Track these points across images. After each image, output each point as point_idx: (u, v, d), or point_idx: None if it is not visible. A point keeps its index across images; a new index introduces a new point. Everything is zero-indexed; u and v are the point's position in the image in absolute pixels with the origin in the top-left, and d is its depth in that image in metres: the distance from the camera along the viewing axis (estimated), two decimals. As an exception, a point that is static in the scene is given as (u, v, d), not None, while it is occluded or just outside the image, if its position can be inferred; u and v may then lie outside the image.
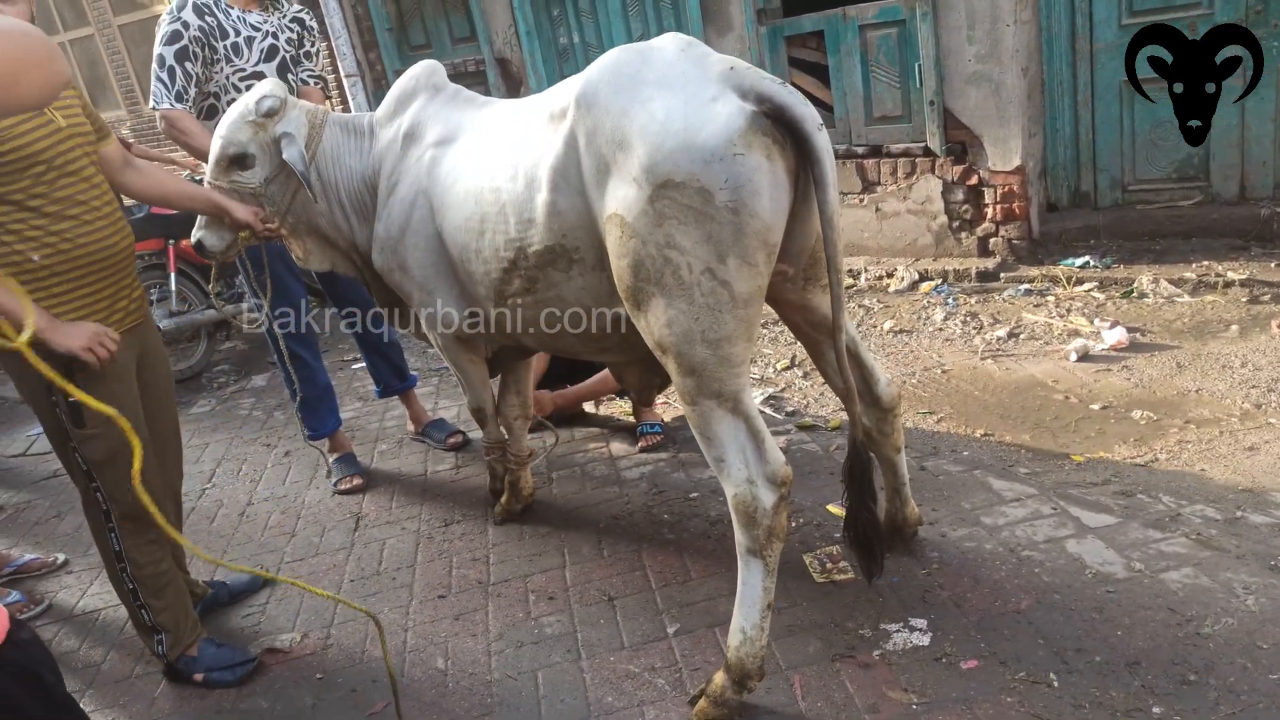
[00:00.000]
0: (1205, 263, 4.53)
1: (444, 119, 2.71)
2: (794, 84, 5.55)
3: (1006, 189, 5.00)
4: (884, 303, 5.08)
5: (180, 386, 5.31)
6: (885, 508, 2.71)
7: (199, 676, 2.74)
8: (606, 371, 3.84)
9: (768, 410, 3.93)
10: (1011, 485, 3.03)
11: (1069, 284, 4.71)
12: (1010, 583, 2.54)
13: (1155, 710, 2.04)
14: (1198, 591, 2.39)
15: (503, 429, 3.28)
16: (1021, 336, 4.29)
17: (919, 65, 5.02)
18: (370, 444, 4.32)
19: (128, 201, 3.45)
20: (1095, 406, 3.50)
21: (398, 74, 7.49)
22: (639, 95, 2.03)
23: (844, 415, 3.64)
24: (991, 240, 5.15)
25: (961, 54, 4.88)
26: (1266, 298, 4.16)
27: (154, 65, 3.35)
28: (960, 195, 5.17)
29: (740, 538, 2.17)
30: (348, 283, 3.75)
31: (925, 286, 5.13)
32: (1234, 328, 3.95)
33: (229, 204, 2.81)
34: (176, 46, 3.32)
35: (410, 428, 4.30)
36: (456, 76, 6.03)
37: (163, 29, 3.34)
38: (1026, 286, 4.82)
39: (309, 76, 3.69)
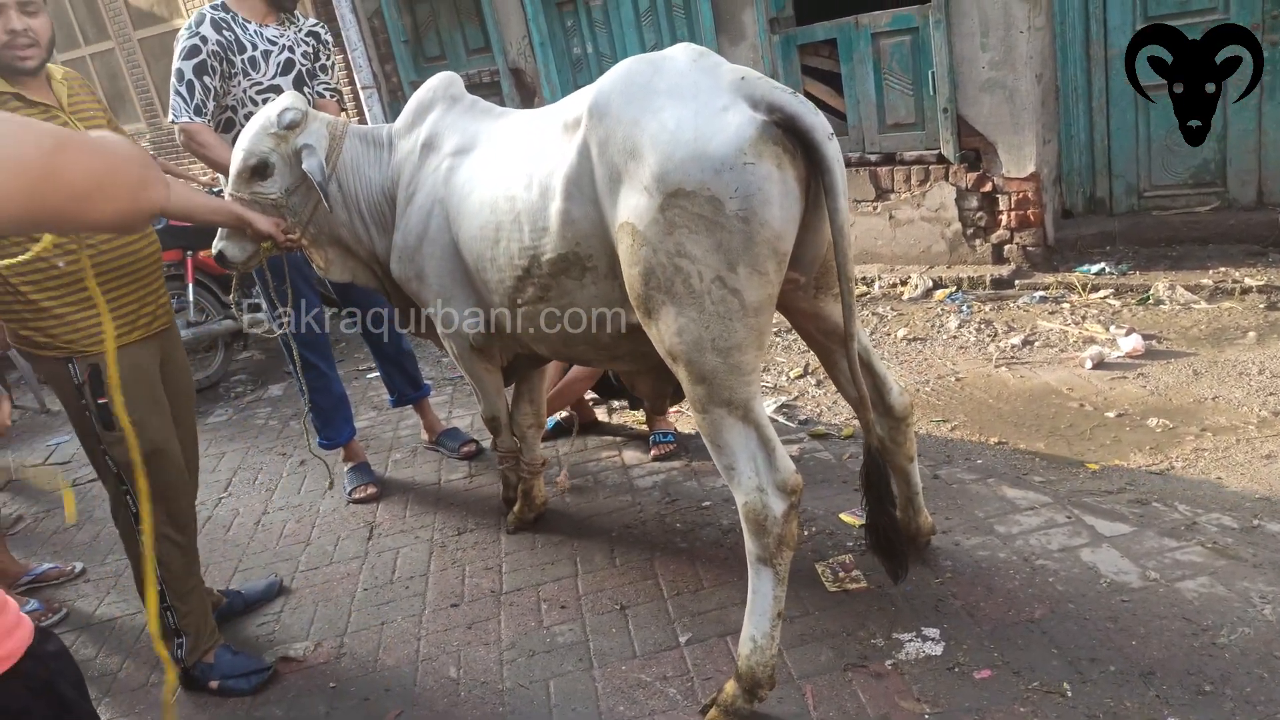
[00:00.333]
0: (1222, 269, 4.49)
1: (461, 129, 2.74)
2: (807, 92, 5.58)
3: (1021, 196, 4.98)
4: (898, 310, 5.06)
5: (198, 396, 5.33)
6: (899, 516, 2.70)
7: (214, 684, 2.76)
8: (574, 373, 3.83)
9: (780, 418, 3.92)
10: (1025, 493, 3.02)
11: (1084, 291, 4.68)
12: (1024, 592, 2.53)
13: (1170, 721, 2.03)
14: (1214, 601, 2.37)
15: (515, 438, 3.29)
16: (1036, 344, 4.27)
17: (932, 73, 5.01)
18: (384, 453, 4.34)
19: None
20: (1110, 414, 3.48)
21: (413, 85, 7.54)
22: (650, 105, 2.04)
23: (857, 424, 3.63)
24: (1006, 247, 5.13)
25: (975, 61, 4.87)
26: (1285, 304, 4.12)
27: (173, 79, 3.39)
28: (974, 202, 5.15)
29: (750, 546, 2.17)
30: (363, 293, 3.78)
31: (939, 294, 5.11)
32: (1251, 334, 3.91)
33: (251, 216, 2.84)
34: (195, 61, 3.36)
35: (424, 437, 4.32)
36: (471, 87, 6.06)
37: (181, 44, 3.38)
38: (1041, 294, 4.80)
39: (325, 89, 3.73)
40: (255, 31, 3.50)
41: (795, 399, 4.15)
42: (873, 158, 5.49)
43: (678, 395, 3.42)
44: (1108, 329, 4.22)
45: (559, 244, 2.31)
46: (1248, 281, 4.31)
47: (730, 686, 2.23)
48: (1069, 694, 2.14)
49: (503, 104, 5.80)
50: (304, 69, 3.62)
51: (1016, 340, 4.31)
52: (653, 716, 2.33)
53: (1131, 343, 3.94)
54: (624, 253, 2.12)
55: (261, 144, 2.81)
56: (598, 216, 2.19)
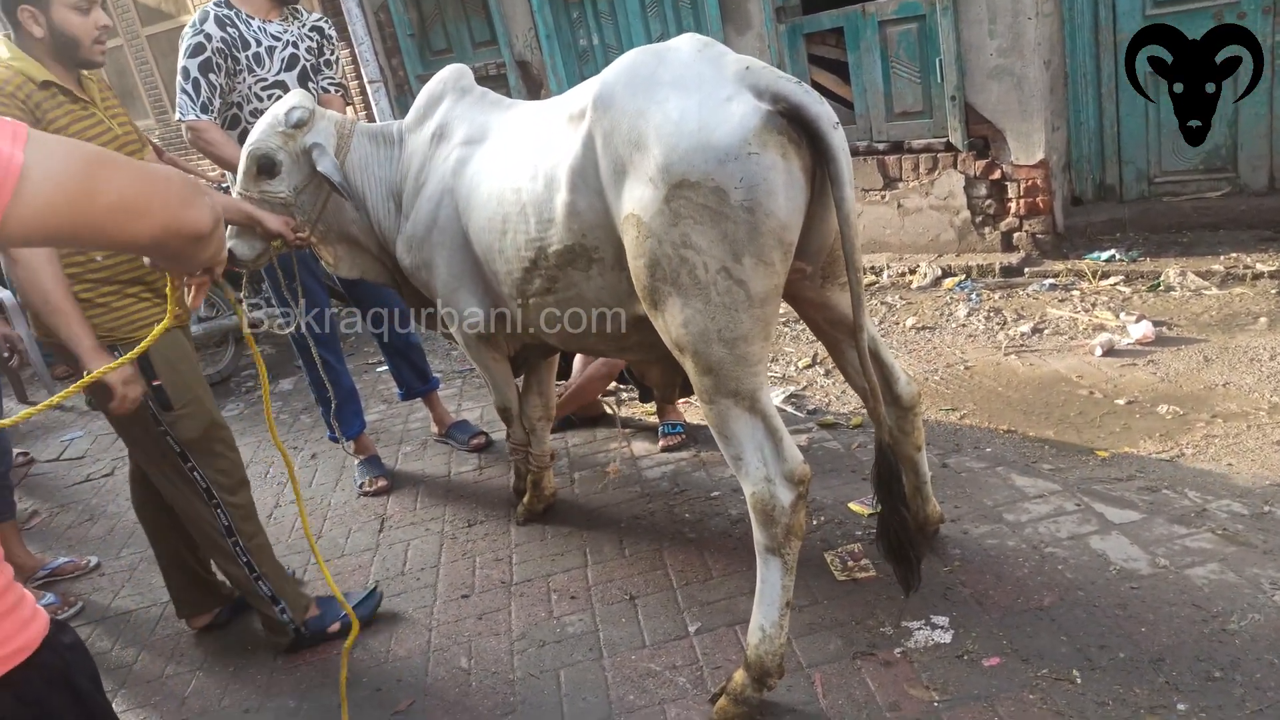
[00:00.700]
0: (1233, 255, 4.46)
1: (470, 120, 2.75)
2: (814, 81, 5.57)
3: (1030, 183, 4.96)
4: (906, 299, 5.05)
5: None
6: (910, 517, 2.69)
7: (334, 626, 2.88)
8: (595, 368, 3.84)
9: (789, 408, 3.92)
10: (1035, 481, 3.01)
11: (1094, 278, 4.66)
12: (1033, 579, 2.53)
13: (1180, 707, 2.02)
14: (1224, 587, 2.36)
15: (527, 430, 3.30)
16: (1046, 332, 4.25)
17: (940, 60, 4.99)
18: (394, 446, 4.36)
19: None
20: (1120, 401, 3.47)
21: (420, 79, 7.55)
22: (655, 96, 2.04)
23: (865, 413, 3.63)
24: (1015, 235, 5.11)
25: (983, 48, 4.84)
26: (1296, 289, 4.10)
27: (178, 77, 3.40)
28: (983, 190, 5.13)
29: (759, 536, 2.18)
30: (371, 288, 3.79)
31: (948, 282, 5.10)
32: (1262, 320, 3.89)
33: (261, 214, 2.86)
34: (200, 59, 3.37)
35: (434, 429, 4.34)
36: (478, 80, 6.03)
37: (186, 41, 3.39)
38: (1051, 281, 4.78)
39: (329, 84, 3.73)
40: (259, 28, 3.51)
41: (804, 389, 4.15)
42: (880, 146, 5.47)
43: (687, 386, 3.42)
44: (1118, 316, 4.20)
45: (565, 235, 2.31)
46: (1259, 267, 4.28)
47: (739, 675, 2.24)
48: (1078, 681, 2.14)
49: (509, 97, 5.79)
50: (308, 64, 3.63)
51: (1026, 328, 4.29)
52: (662, 705, 2.35)
53: (1141, 329, 3.93)
54: (629, 244, 2.12)
55: (269, 142, 2.82)
56: (603, 208, 2.20)
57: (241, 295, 3.52)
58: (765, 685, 2.20)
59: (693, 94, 2.01)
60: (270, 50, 3.51)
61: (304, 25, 3.65)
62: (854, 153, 5.27)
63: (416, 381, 4.20)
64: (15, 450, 4.83)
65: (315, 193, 2.91)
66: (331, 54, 3.76)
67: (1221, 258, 4.47)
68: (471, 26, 7.31)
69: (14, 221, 0.95)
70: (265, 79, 3.50)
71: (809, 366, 4.38)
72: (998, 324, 4.45)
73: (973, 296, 4.84)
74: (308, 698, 2.69)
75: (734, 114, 1.95)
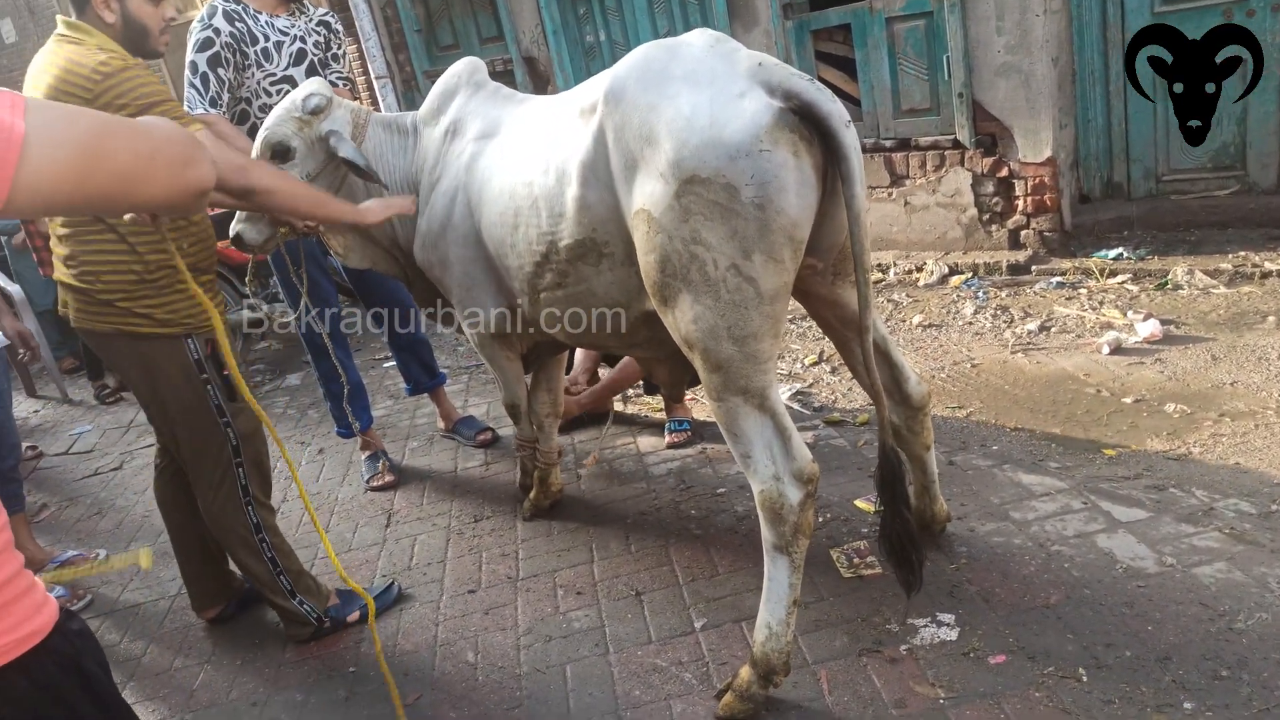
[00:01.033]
0: (1242, 253, 4.45)
1: (483, 114, 2.75)
2: (820, 77, 5.55)
3: (1037, 181, 4.95)
4: (913, 297, 5.05)
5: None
6: (914, 504, 2.69)
7: (353, 616, 2.93)
8: (625, 362, 3.86)
9: (795, 405, 3.92)
10: (1041, 479, 3.01)
11: (1102, 276, 4.66)
12: (1039, 578, 2.53)
13: (1186, 705, 2.03)
14: (1231, 586, 2.36)
15: (535, 427, 3.31)
16: (1053, 330, 4.25)
17: (947, 57, 4.98)
18: (401, 441, 4.37)
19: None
20: (1127, 400, 3.47)
21: (427, 75, 7.55)
22: (666, 90, 2.04)
23: (873, 410, 3.63)
24: (1022, 233, 5.10)
25: (990, 45, 4.83)
26: (1305, 288, 4.09)
27: (187, 73, 3.41)
28: (990, 188, 5.12)
29: (767, 534, 2.18)
30: (378, 284, 3.80)
31: (955, 280, 5.09)
32: (1271, 319, 3.88)
33: None
34: (209, 53, 3.38)
35: (440, 425, 4.35)
36: (484, 76, 5.97)
37: (194, 36, 3.40)
38: (1058, 279, 4.77)
39: (336, 78, 3.74)
40: (267, 22, 3.51)
41: (810, 386, 4.15)
42: (887, 144, 5.46)
43: (695, 381, 3.43)
44: (1125, 314, 4.19)
45: (575, 230, 2.31)
46: (1267, 266, 4.27)
47: (745, 672, 2.24)
48: (1084, 679, 2.15)
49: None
50: (316, 59, 3.64)
51: (1033, 326, 4.29)
52: (668, 701, 2.35)
53: (1149, 328, 3.92)
54: (640, 240, 2.12)
55: (284, 127, 2.81)
56: (613, 202, 2.20)
57: (250, 286, 3.53)
58: (771, 683, 2.21)
59: (705, 89, 2.00)
60: (278, 45, 3.52)
61: (311, 20, 3.66)
62: (861, 150, 5.26)
63: (424, 377, 4.20)
64: (25, 444, 4.86)
65: (328, 180, 2.90)
66: (339, 48, 3.77)
67: (1230, 256, 4.46)
68: (478, 22, 7.31)
69: (22, 190, 0.96)
70: (274, 74, 3.51)
71: (815, 364, 4.38)
72: (1005, 322, 4.44)
73: (980, 294, 4.83)
74: (315, 691, 2.70)
75: (746, 110, 1.95)
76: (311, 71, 3.62)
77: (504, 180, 2.52)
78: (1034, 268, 4.95)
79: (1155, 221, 4.91)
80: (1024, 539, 2.71)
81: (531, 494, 3.40)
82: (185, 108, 3.46)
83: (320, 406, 4.76)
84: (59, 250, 2.53)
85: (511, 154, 2.54)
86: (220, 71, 3.40)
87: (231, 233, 3.04)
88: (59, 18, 2.48)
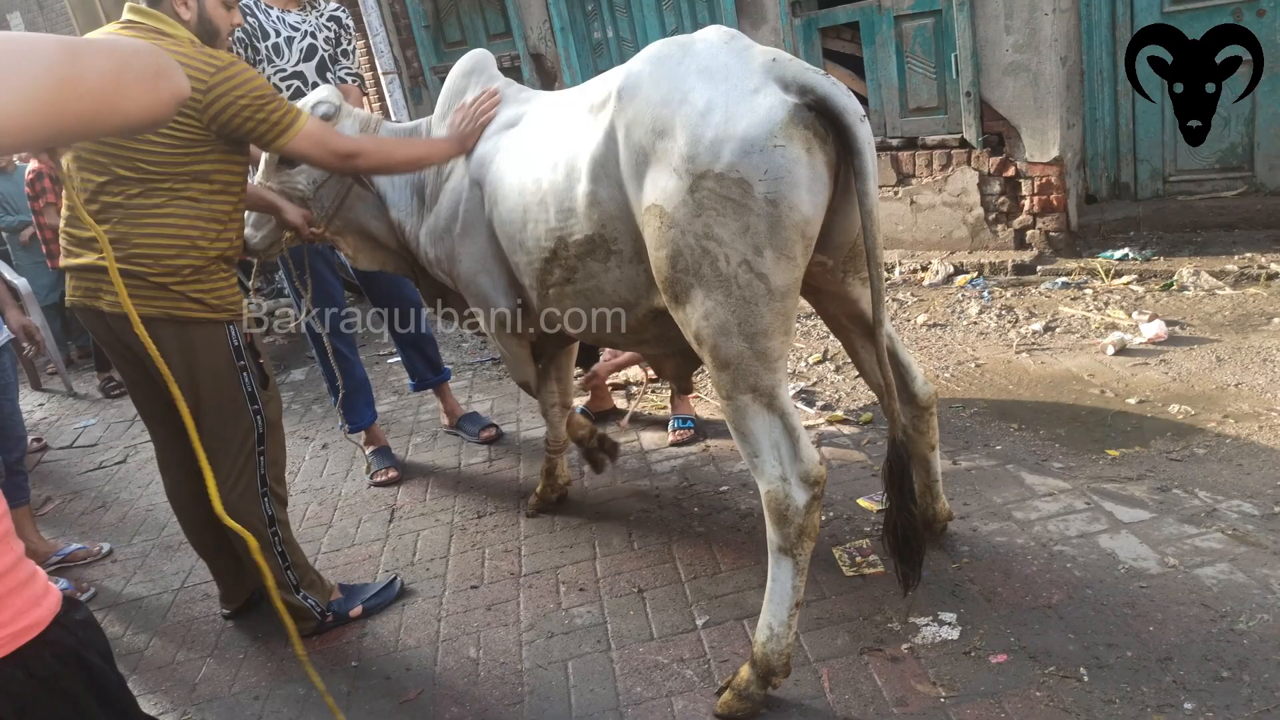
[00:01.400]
0: (1248, 255, 4.44)
1: (495, 111, 2.76)
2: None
3: (1044, 180, 4.94)
4: (918, 296, 5.04)
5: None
6: (917, 512, 2.69)
7: (356, 611, 2.95)
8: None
9: (800, 404, 3.92)
10: (1044, 480, 3.01)
11: (1107, 276, 4.65)
12: (1041, 577, 2.53)
13: (1187, 706, 2.02)
14: (1233, 587, 2.36)
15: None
16: (1058, 330, 4.24)
17: (955, 56, 4.97)
18: (405, 437, 4.38)
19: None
20: (1132, 401, 3.46)
21: (434, 71, 7.56)
22: (681, 86, 2.04)
23: (876, 409, 3.64)
24: (1028, 233, 5.09)
25: (999, 44, 4.82)
26: (1311, 290, 4.07)
27: None
28: (997, 187, 5.11)
29: (771, 535, 2.18)
30: (385, 281, 3.81)
31: (960, 280, 5.08)
32: (1276, 320, 3.87)
33: (282, 204, 2.90)
34: None
35: (444, 421, 4.36)
36: (490, 73, 5.98)
37: (205, 30, 3.40)
38: (1064, 279, 4.76)
39: (347, 75, 3.75)
40: (278, 18, 3.52)
41: (814, 384, 4.15)
42: (894, 142, 5.45)
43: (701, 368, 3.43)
44: (1130, 315, 4.19)
45: (584, 226, 2.32)
46: (1274, 267, 4.26)
47: (745, 671, 2.24)
48: (1085, 679, 2.15)
49: (523, 89, 5.77)
50: (326, 54, 3.65)
51: (1038, 326, 4.28)
52: (670, 698, 2.36)
53: (1154, 329, 3.91)
54: (651, 235, 2.12)
55: None
56: (623, 199, 2.20)
57: (251, 285, 3.53)
58: (770, 683, 2.21)
59: (719, 85, 2.01)
60: (289, 41, 3.53)
61: (321, 15, 3.67)
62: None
63: (428, 372, 4.21)
64: (30, 436, 4.88)
65: (334, 186, 2.93)
66: (349, 44, 3.77)
67: (1236, 257, 4.45)
68: (486, 18, 7.31)
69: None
70: (284, 69, 3.52)
71: (819, 362, 4.37)
72: (1009, 322, 4.43)
73: (985, 294, 4.83)
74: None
75: (760, 106, 1.95)
76: (322, 67, 3.63)
77: (514, 178, 2.52)
78: (1039, 268, 4.94)
79: (1161, 222, 4.90)
80: (1026, 539, 2.71)
81: (538, 488, 3.41)
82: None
83: (324, 402, 4.77)
84: (86, 232, 2.50)
85: (523, 151, 2.54)
86: None
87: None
88: (129, 5, 2.50)
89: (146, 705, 2.75)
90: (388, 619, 2.94)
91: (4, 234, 6.36)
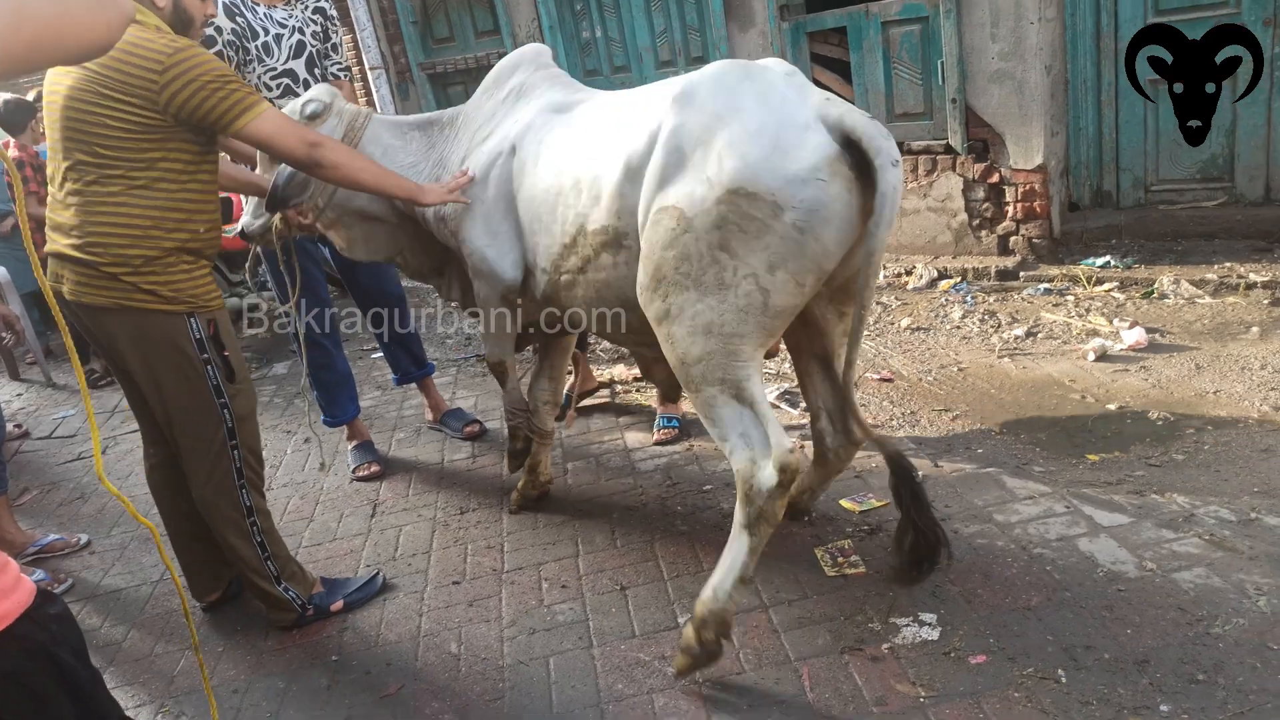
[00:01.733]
0: (1227, 264, 4.50)
1: (549, 93, 2.79)
2: (815, 79, 5.57)
3: (1028, 187, 4.98)
4: (902, 300, 5.07)
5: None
6: (795, 497, 2.81)
7: (336, 605, 2.93)
8: None
9: (783, 405, 3.94)
10: (1025, 483, 3.04)
11: (1089, 284, 4.69)
12: (1021, 579, 2.55)
13: (1163, 708, 2.05)
14: (1209, 592, 2.39)
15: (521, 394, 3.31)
16: (1040, 336, 4.28)
17: (941, 62, 5.01)
18: (388, 432, 4.37)
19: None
20: (1112, 406, 3.49)
21: (421, 67, 7.53)
22: (735, 104, 2.11)
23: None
24: (1012, 239, 5.13)
25: (984, 51, 4.86)
26: (1289, 300, 4.13)
27: None
28: (981, 193, 5.15)
29: (737, 509, 2.25)
30: (368, 273, 3.79)
31: (944, 284, 5.12)
32: (1254, 329, 3.92)
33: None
34: (211, 51, 3.36)
35: (428, 416, 4.35)
36: (479, 70, 6.07)
37: (197, 34, 3.39)
38: (1046, 286, 4.81)
39: (337, 69, 3.73)
40: (265, 15, 3.50)
41: (796, 386, 4.15)
42: (880, 147, 5.47)
43: None
44: (1111, 322, 4.23)
45: (604, 216, 2.36)
46: (1252, 277, 4.32)
47: (688, 630, 2.31)
48: (1063, 680, 2.16)
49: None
50: (315, 50, 3.63)
51: (1020, 331, 4.32)
52: (651, 695, 2.36)
53: (1134, 336, 3.95)
54: (660, 234, 2.16)
55: None
56: (637, 196, 2.26)
57: (246, 274, 3.52)
58: (701, 638, 2.26)
59: (774, 112, 2.08)
60: (278, 39, 3.51)
61: (306, 8, 3.65)
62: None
63: (412, 366, 4.19)
64: (10, 424, 4.83)
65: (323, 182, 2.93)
66: (337, 37, 3.76)
67: (1215, 267, 4.50)
68: (475, 16, 7.29)
69: None
70: (274, 68, 3.50)
71: (803, 364, 4.39)
72: (992, 327, 4.47)
73: (968, 299, 4.86)
74: (297, 679, 2.69)
75: (810, 140, 2.03)
76: (311, 64, 3.62)
77: (556, 157, 2.56)
78: (1022, 274, 4.98)
79: (1143, 231, 4.95)
80: (1006, 541, 2.73)
81: (520, 484, 3.40)
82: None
83: (306, 396, 4.74)
84: (57, 218, 2.49)
85: (570, 134, 2.58)
86: None
87: (239, 229, 3.09)
88: None
89: (124, 697, 2.73)
90: (369, 614, 2.93)
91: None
